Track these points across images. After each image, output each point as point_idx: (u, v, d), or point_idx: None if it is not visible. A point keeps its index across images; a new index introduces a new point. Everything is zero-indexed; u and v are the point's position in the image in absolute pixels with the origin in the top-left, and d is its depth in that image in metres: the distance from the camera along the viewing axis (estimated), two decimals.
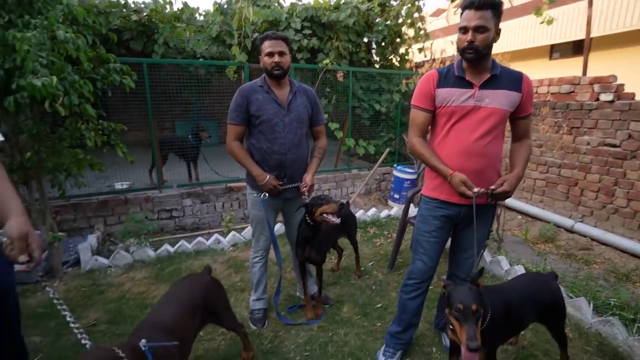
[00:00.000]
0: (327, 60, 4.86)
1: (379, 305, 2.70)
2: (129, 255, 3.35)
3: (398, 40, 6.40)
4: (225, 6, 4.92)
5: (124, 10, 5.13)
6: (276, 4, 5.62)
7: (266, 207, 2.27)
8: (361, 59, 6.11)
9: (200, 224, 4.49)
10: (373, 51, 6.62)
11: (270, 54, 2.12)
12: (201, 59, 5.72)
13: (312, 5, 5.34)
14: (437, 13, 16.22)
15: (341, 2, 5.54)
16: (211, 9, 5.47)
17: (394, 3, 6.11)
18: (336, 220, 2.14)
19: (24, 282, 2.86)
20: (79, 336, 1.17)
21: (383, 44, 6.12)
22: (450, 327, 1.49)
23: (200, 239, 3.71)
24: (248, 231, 3.84)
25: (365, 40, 6.25)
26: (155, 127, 4.31)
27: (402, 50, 6.43)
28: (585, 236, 3.99)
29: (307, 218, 2.26)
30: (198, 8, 5.83)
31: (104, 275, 3.13)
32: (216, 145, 6.51)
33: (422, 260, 1.98)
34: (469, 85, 1.73)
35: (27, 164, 2.79)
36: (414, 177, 5.06)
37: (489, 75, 1.71)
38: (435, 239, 1.94)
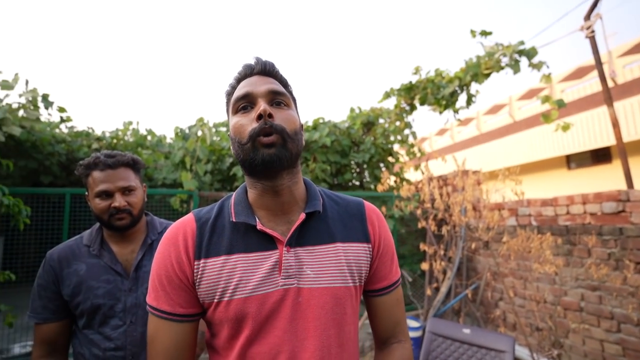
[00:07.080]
0: None
1: None
2: None
3: (390, 158, 5.69)
4: (187, 131, 4.43)
5: (86, 139, 4.76)
6: None
7: None
8: (347, 180, 5.32)
9: None
10: (366, 172, 5.89)
11: (106, 194, 1.15)
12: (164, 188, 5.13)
13: None
14: (442, 132, 16.45)
15: (320, 122, 5.04)
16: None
17: (382, 121, 5.61)
18: None
19: None
20: None
21: (371, 163, 5.39)
22: None
23: None
24: None
25: (354, 161, 5.58)
26: None
27: (396, 169, 5.68)
28: None
29: None
30: (165, 136, 5.49)
31: None
32: None
33: None
34: (267, 242, 0.71)
35: None
36: (417, 333, 3.58)
37: (304, 216, 0.72)
38: None
